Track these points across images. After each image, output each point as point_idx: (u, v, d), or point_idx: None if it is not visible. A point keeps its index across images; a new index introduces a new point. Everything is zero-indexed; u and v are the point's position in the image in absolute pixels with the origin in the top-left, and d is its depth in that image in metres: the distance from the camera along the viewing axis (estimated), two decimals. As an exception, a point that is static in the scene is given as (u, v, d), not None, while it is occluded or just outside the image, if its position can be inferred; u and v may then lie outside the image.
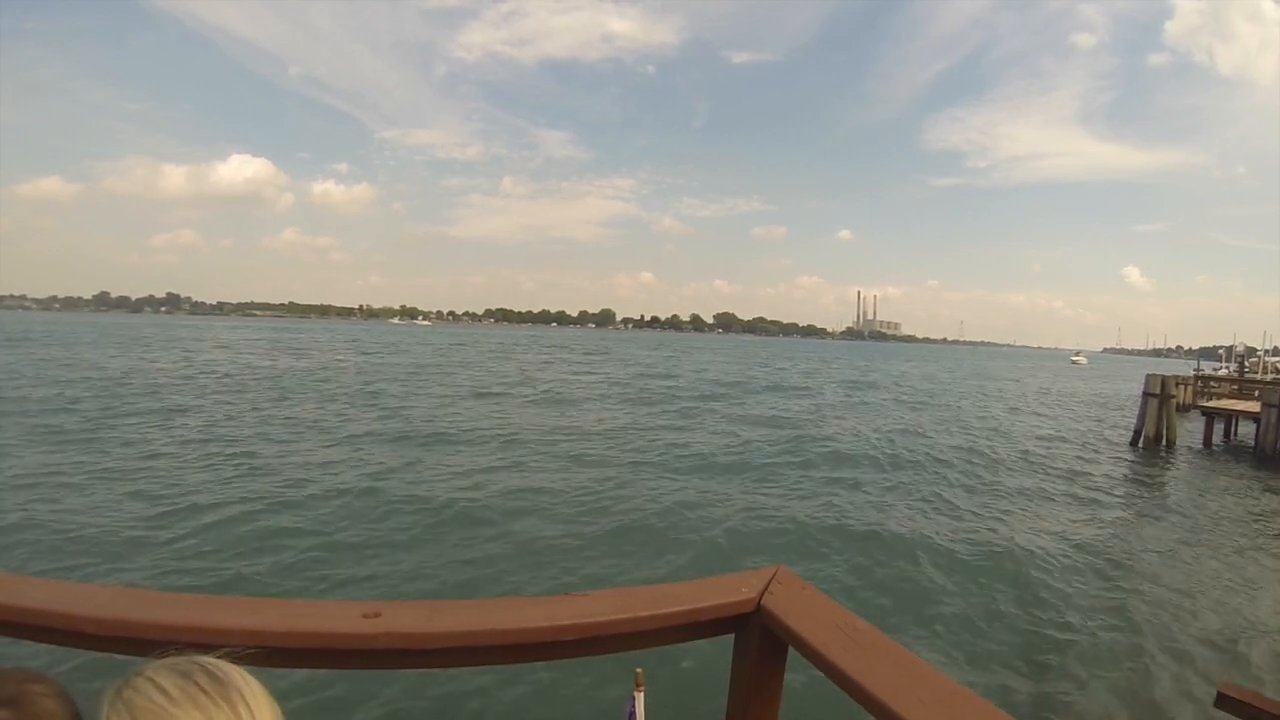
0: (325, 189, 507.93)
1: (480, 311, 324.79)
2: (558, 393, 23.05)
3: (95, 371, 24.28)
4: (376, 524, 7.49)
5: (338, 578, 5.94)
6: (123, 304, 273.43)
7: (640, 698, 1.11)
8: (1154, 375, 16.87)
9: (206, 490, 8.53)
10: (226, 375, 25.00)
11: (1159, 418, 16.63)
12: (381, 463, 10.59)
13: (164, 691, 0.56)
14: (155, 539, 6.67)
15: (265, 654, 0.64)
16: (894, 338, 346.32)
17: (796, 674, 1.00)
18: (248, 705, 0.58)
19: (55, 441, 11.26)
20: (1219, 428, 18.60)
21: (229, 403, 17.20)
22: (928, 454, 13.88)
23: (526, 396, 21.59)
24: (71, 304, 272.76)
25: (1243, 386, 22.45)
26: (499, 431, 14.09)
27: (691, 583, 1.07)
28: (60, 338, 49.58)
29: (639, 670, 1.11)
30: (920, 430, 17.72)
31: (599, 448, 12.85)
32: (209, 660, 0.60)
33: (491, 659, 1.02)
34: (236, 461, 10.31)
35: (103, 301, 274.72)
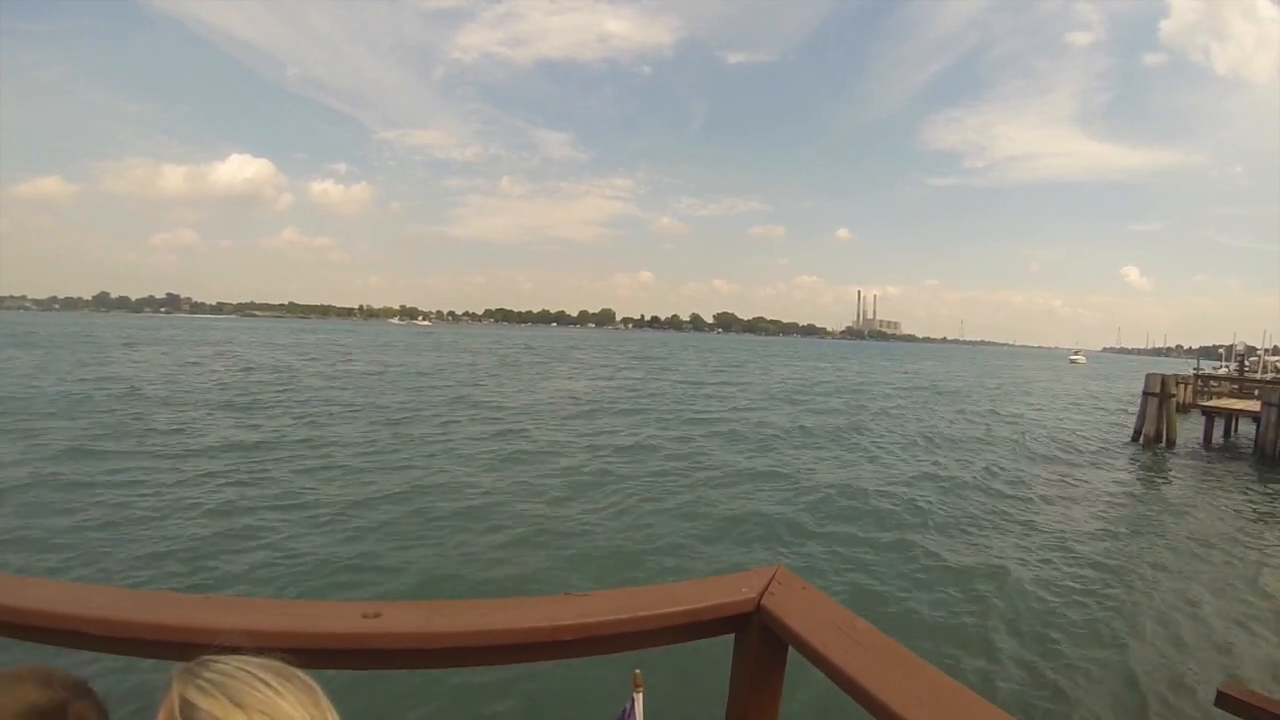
0: (324, 189, 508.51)
1: (480, 311, 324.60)
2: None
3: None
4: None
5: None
6: (122, 304, 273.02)
7: (639, 699, 1.11)
8: (1154, 374, 16.88)
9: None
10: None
11: (1159, 417, 16.64)
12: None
13: (267, 684, 0.57)
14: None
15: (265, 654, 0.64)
16: (894, 337, 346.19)
17: (797, 674, 1.00)
18: (334, 714, 0.59)
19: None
20: (1219, 427, 18.60)
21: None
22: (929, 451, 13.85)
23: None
24: (71, 304, 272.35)
25: (1243, 386, 22.48)
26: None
27: (691, 582, 1.07)
28: (139, 339, 50.27)
29: (637, 671, 1.11)
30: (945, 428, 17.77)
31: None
32: (284, 665, 0.61)
33: (491, 659, 1.01)
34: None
35: (102, 302, 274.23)
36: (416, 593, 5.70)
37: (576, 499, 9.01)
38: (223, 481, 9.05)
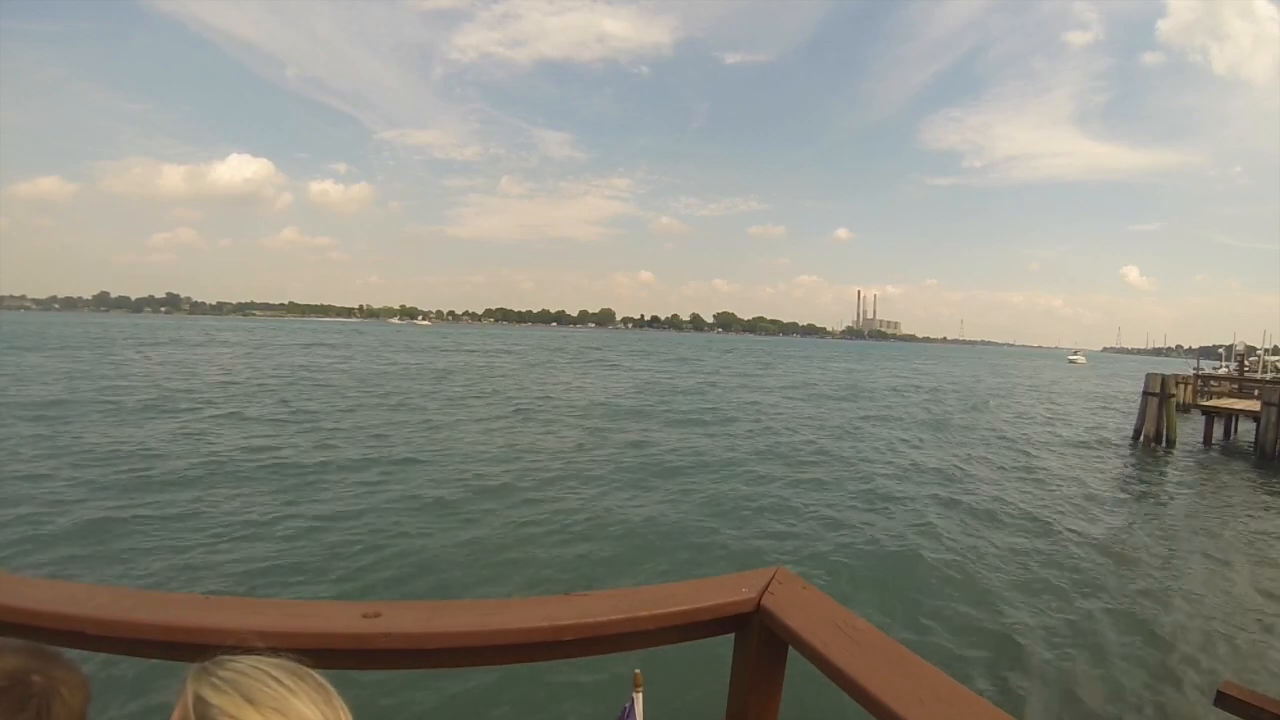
0: (324, 189, 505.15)
1: (480, 311, 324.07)
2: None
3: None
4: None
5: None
6: (122, 304, 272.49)
7: (639, 698, 1.11)
8: (1154, 374, 16.88)
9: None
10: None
11: (1159, 417, 16.63)
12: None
13: (280, 682, 0.58)
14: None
15: None
16: (894, 337, 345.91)
17: (796, 674, 1.00)
18: (348, 714, 0.61)
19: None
20: (1219, 427, 18.60)
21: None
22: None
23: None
24: (71, 304, 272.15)
25: (1243, 385, 22.46)
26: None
27: (691, 582, 1.07)
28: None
29: (637, 671, 1.11)
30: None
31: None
32: (298, 665, 0.62)
33: (491, 659, 1.01)
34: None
35: (102, 301, 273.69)
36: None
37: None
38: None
